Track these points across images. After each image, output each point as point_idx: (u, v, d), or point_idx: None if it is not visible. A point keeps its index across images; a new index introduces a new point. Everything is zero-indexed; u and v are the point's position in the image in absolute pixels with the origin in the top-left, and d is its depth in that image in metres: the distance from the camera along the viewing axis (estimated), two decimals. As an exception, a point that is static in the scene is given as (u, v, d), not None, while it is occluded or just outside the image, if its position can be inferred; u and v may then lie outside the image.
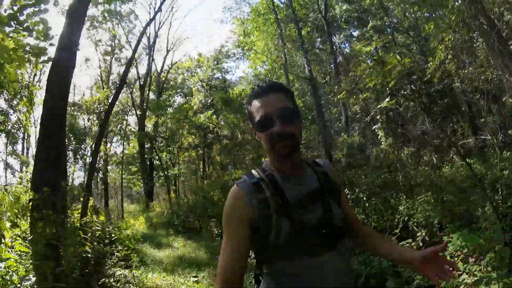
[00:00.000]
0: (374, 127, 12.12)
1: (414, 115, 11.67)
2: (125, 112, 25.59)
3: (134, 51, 9.33)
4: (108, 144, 22.56)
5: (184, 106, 24.92)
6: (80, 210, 5.59)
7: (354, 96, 9.43)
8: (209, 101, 26.05)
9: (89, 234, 5.03)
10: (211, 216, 9.88)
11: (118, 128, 24.30)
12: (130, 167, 25.33)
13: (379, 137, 11.66)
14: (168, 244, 8.84)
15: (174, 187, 23.42)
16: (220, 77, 28.35)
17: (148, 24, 11.62)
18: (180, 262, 6.84)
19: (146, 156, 22.87)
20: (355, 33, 21.50)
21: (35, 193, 4.30)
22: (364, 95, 9.20)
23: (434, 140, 9.10)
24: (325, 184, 1.38)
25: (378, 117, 11.74)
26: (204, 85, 26.68)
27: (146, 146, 22.83)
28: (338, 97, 9.81)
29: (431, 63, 9.06)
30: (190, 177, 28.41)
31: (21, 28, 4.48)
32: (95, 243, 5.09)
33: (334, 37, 21.22)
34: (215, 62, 28.40)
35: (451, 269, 1.20)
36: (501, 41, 6.25)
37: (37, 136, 7.52)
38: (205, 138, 23.99)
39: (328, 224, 1.29)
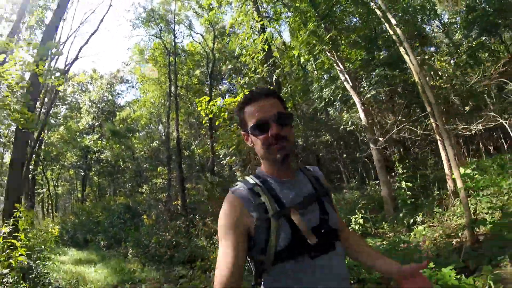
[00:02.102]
0: (233, 168, 17.63)
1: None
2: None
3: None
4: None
5: (72, 126, 27.18)
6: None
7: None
8: (96, 124, 28.77)
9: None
10: (98, 232, 13.75)
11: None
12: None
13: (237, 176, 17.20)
14: (65, 253, 12.17)
15: (51, 205, 25.41)
16: (110, 99, 30.95)
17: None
18: (79, 262, 10.61)
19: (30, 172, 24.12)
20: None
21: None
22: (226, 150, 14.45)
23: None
24: (319, 188, 1.50)
25: (237, 161, 17.34)
26: (94, 106, 29.03)
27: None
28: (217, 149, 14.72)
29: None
30: (65, 196, 30.32)
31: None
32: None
33: (220, 86, 26.52)
34: (108, 86, 30.91)
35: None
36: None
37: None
38: (86, 159, 26.89)
39: (325, 226, 1.39)
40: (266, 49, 10.56)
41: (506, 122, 5.78)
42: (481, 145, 11.41)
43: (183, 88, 23.68)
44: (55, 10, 10.71)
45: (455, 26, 14.28)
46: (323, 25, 10.84)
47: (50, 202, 26.17)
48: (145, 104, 24.91)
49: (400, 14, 12.70)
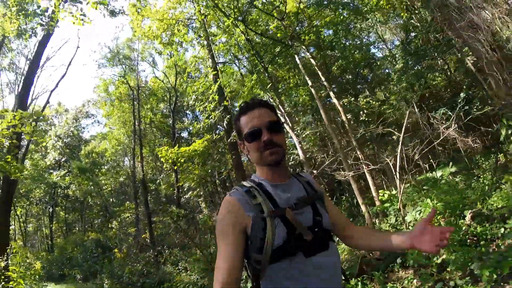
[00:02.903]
0: (198, 200, 19.47)
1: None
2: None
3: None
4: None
5: (39, 162, 28.07)
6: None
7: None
8: (62, 159, 29.75)
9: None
10: (73, 266, 15.31)
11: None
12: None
13: (201, 207, 18.96)
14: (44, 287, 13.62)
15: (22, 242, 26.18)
16: (76, 133, 31.84)
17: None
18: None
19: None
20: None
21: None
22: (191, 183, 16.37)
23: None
24: (311, 192, 1.61)
25: (201, 193, 19.16)
26: (60, 142, 29.74)
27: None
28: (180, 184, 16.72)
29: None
30: (33, 233, 30.98)
31: None
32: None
33: (184, 118, 28.07)
34: (74, 121, 31.86)
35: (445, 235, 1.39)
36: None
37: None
38: (54, 195, 27.80)
39: (319, 227, 1.48)
40: (217, 99, 12.64)
41: (391, 161, 7.97)
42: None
43: (147, 124, 24.85)
44: (29, 65, 12.62)
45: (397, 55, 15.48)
46: (267, 74, 13.07)
47: (21, 238, 26.87)
48: (111, 141, 26.27)
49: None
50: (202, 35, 13.64)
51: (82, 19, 9.73)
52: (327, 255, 1.45)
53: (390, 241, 1.57)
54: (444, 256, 5.05)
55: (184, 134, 27.37)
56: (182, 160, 11.55)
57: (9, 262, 8.86)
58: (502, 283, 4.18)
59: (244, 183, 1.59)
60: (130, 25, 16.29)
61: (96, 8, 10.11)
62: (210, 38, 13.57)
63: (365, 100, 12.71)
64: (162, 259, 12.61)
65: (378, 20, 16.96)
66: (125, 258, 14.42)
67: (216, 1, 11.00)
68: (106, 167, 30.38)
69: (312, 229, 1.44)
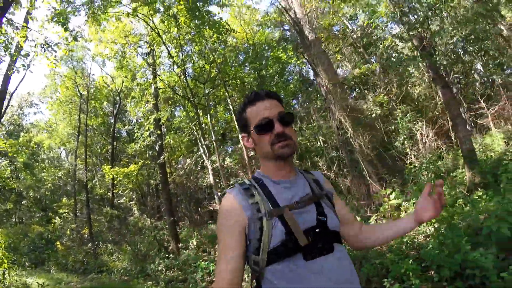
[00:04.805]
0: (131, 203, 23.44)
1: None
2: None
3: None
4: None
5: None
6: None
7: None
8: (4, 151, 31.67)
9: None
10: (21, 255, 19.15)
11: None
12: None
13: (133, 210, 22.86)
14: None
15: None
16: (17, 120, 33.12)
17: None
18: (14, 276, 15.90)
19: None
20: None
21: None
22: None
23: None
24: (317, 191, 1.60)
25: (134, 197, 23.19)
26: (4, 130, 30.68)
27: None
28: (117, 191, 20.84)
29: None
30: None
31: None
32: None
33: (125, 119, 30.84)
34: (18, 109, 33.28)
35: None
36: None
37: None
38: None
39: (322, 228, 1.46)
40: (152, 128, 16.14)
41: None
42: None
43: (89, 126, 25.42)
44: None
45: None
46: (194, 110, 16.73)
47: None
48: (55, 139, 28.50)
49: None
50: (149, 63, 15.93)
51: (55, 63, 13.22)
52: (330, 258, 1.44)
53: (397, 227, 1.69)
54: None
55: (123, 133, 29.21)
56: (121, 176, 15.95)
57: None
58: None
59: (246, 180, 1.61)
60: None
61: (66, 54, 13.72)
62: (155, 68, 15.96)
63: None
64: (100, 251, 16.83)
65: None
66: (68, 249, 18.30)
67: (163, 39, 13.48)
68: (43, 156, 31.63)
69: (313, 230, 1.44)
